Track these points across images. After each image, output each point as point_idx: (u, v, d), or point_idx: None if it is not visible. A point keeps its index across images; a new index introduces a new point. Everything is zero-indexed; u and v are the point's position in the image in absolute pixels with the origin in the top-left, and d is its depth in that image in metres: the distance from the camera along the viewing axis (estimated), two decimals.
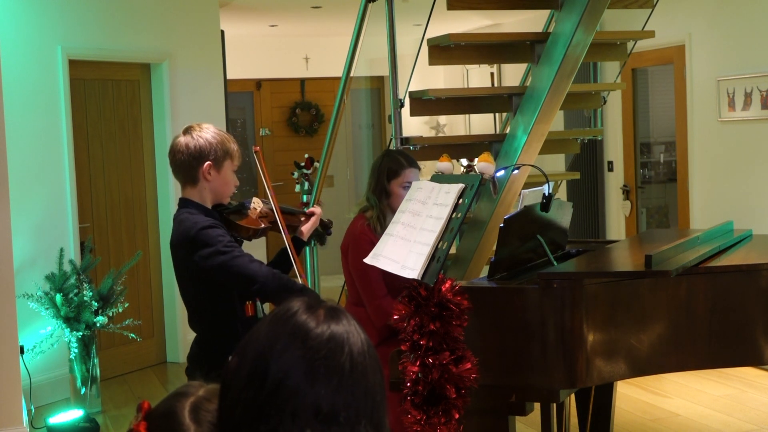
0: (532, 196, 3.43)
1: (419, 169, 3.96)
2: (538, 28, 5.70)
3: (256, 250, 5.95)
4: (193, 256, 2.93)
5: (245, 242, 3.26)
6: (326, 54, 10.02)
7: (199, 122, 3.14)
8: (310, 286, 3.08)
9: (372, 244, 3.65)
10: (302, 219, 3.32)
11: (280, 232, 3.16)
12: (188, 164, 3.02)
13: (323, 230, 3.50)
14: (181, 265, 3.05)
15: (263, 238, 5.78)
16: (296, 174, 6.00)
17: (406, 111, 4.77)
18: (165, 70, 6.69)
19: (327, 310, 1.34)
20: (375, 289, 3.77)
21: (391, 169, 3.87)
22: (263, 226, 3.16)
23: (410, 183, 3.77)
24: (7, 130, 4.61)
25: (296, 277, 3.07)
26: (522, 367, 3.05)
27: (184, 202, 3.08)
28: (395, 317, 2.87)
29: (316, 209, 3.36)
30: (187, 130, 3.06)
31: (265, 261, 3.37)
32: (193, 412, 1.37)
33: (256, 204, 3.20)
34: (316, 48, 10.17)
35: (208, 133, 3.03)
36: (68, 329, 5.49)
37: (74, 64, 6.14)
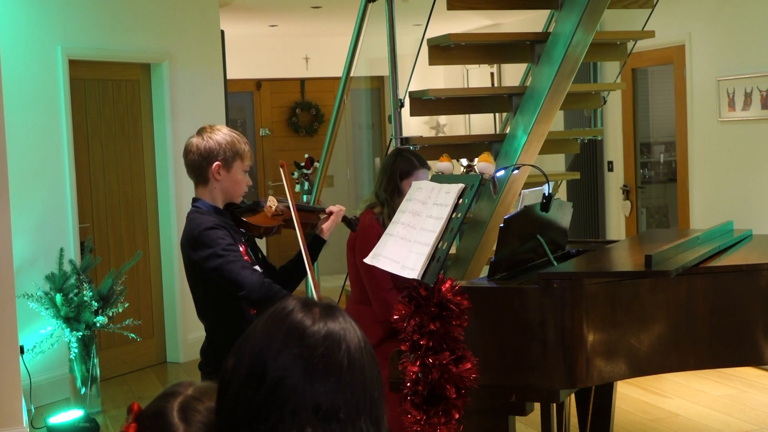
0: (532, 196, 3.43)
1: (429, 169, 4.04)
2: (538, 28, 5.70)
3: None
4: (195, 255, 3.00)
5: (258, 239, 3.31)
6: (326, 54, 10.01)
7: (212, 124, 3.21)
8: (318, 287, 3.09)
9: (380, 237, 3.68)
10: (323, 216, 3.34)
11: (294, 230, 3.17)
12: (198, 164, 3.10)
13: (348, 227, 3.50)
14: (188, 263, 3.10)
15: (263, 240, 5.80)
16: (296, 174, 6.02)
17: (406, 111, 4.77)
18: (165, 70, 6.69)
19: (322, 308, 1.35)
20: (380, 282, 3.79)
21: (403, 169, 3.96)
22: (277, 224, 3.20)
23: None
24: (7, 130, 4.61)
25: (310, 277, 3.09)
26: (522, 367, 3.05)
27: (195, 202, 3.15)
28: (395, 317, 2.87)
29: (337, 207, 3.37)
30: (200, 131, 3.14)
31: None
32: (182, 411, 1.36)
33: (272, 202, 3.24)
34: (316, 48, 10.17)
35: (219, 134, 3.11)
36: (68, 329, 5.49)
37: (74, 64, 6.14)
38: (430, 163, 4.10)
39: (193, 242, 3.01)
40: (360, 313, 3.91)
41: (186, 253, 3.07)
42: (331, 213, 3.34)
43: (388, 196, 3.94)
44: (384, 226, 3.83)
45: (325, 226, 3.31)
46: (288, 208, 3.20)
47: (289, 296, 2.90)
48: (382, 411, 1.34)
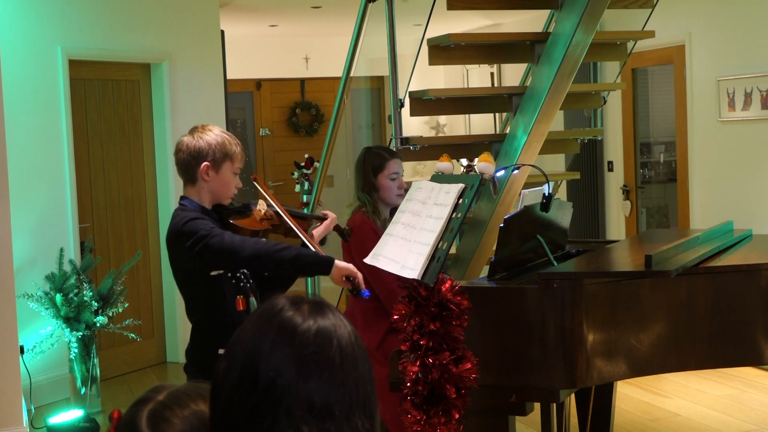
0: (532, 196, 3.44)
1: (401, 158, 4.12)
2: (538, 28, 5.70)
3: None
4: (182, 247, 2.98)
5: None
6: (326, 54, 10.01)
7: (205, 123, 3.19)
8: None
9: (374, 232, 3.69)
10: (317, 224, 3.32)
11: (281, 233, 3.17)
12: (187, 163, 3.10)
13: (340, 236, 3.48)
14: (173, 259, 3.09)
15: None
16: (296, 174, 6.01)
17: (406, 111, 4.77)
18: (165, 70, 6.69)
19: (311, 305, 1.34)
20: (383, 274, 3.79)
21: (375, 164, 4.01)
22: (263, 228, 3.16)
23: (396, 173, 4.03)
24: (7, 130, 4.61)
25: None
26: (522, 367, 3.05)
27: (182, 200, 3.14)
28: (395, 317, 2.87)
29: (330, 214, 3.36)
30: (192, 130, 3.13)
31: None
32: (151, 420, 1.36)
33: (261, 206, 3.22)
34: (316, 48, 10.17)
35: (210, 134, 3.09)
36: (68, 329, 5.49)
37: (74, 64, 6.14)
38: (429, 163, 4.11)
39: (177, 235, 2.98)
40: (363, 310, 3.92)
41: (172, 247, 3.04)
42: (325, 217, 3.32)
43: (368, 195, 4.00)
44: (375, 224, 3.89)
45: (316, 232, 3.29)
46: (277, 213, 3.18)
47: (280, 246, 2.88)
48: (375, 405, 1.34)
